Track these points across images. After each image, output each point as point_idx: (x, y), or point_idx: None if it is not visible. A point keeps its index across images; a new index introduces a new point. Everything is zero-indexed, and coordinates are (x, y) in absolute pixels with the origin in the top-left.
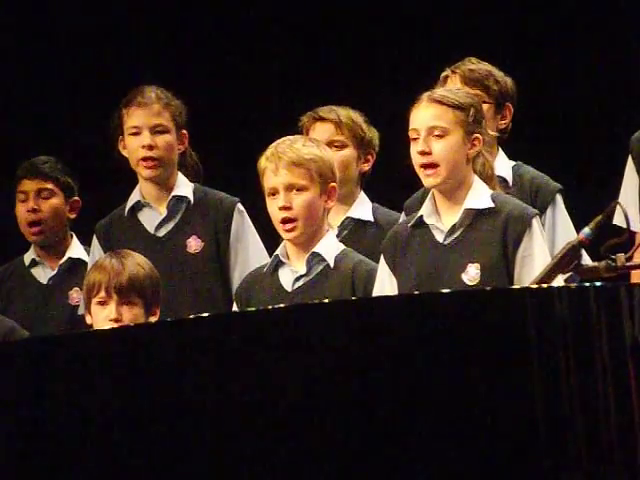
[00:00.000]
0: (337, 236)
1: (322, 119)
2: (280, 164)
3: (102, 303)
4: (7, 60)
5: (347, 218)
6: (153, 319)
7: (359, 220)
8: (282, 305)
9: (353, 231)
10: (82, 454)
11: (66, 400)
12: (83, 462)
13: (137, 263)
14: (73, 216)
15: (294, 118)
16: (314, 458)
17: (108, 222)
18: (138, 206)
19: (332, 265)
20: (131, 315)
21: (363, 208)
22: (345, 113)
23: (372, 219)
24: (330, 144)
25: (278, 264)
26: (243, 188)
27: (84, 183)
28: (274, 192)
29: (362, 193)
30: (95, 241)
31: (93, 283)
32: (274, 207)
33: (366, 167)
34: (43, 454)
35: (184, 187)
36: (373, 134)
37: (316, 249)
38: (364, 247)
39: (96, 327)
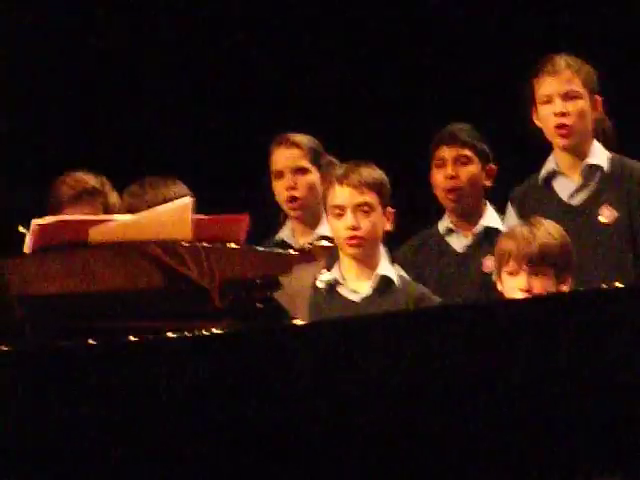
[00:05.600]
0: None
1: None
2: None
3: (512, 273)
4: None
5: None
6: (564, 288)
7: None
8: None
9: None
10: None
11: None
12: None
13: (548, 232)
14: (489, 183)
15: None
16: None
17: (524, 189)
18: (553, 175)
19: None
20: (541, 286)
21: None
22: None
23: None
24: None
25: None
26: None
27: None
28: None
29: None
30: (510, 208)
31: (503, 251)
32: None
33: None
34: None
35: (599, 155)
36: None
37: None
38: None
39: (506, 295)
